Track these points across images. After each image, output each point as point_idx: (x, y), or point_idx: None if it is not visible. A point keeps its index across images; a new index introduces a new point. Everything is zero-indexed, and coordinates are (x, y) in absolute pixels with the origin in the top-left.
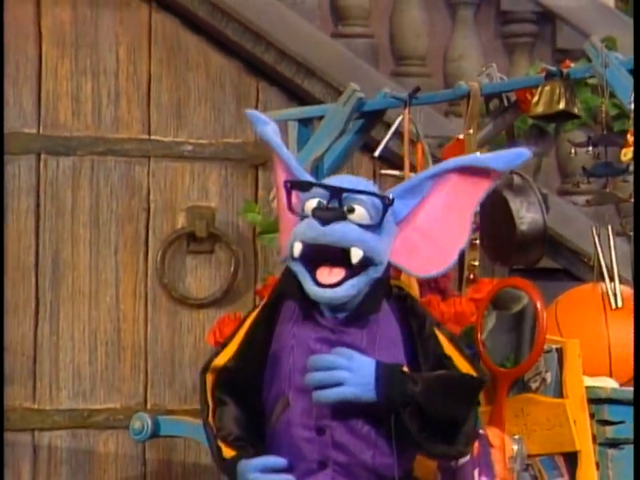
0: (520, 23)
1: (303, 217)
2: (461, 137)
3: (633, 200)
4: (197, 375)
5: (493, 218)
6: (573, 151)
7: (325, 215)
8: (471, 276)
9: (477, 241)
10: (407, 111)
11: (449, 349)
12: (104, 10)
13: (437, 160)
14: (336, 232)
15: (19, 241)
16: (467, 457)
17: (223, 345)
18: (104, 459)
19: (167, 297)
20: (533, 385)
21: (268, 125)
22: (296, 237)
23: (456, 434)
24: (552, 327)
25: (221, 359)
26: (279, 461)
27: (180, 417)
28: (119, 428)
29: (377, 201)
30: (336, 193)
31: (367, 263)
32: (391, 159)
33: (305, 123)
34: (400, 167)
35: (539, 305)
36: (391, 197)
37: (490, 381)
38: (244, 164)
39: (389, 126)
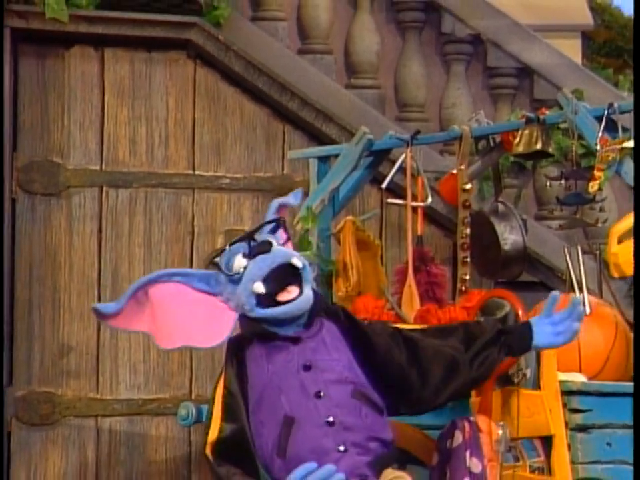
0: (503, 77)
1: (237, 277)
2: (454, 171)
3: (599, 225)
4: None
5: (481, 239)
6: (548, 183)
7: (263, 249)
8: (463, 288)
9: (468, 259)
10: (409, 150)
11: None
12: (156, 66)
13: (434, 191)
14: (279, 253)
15: (84, 259)
16: (460, 440)
17: (208, 422)
18: (156, 441)
19: None
20: (515, 380)
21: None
22: (253, 279)
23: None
24: None
25: (212, 434)
26: (311, 465)
27: None
28: (168, 415)
29: (274, 225)
30: (251, 238)
31: (304, 269)
32: (396, 190)
33: (323, 160)
34: (403, 197)
35: (520, 312)
36: (280, 218)
37: None
38: (272, 194)
39: (393, 162)
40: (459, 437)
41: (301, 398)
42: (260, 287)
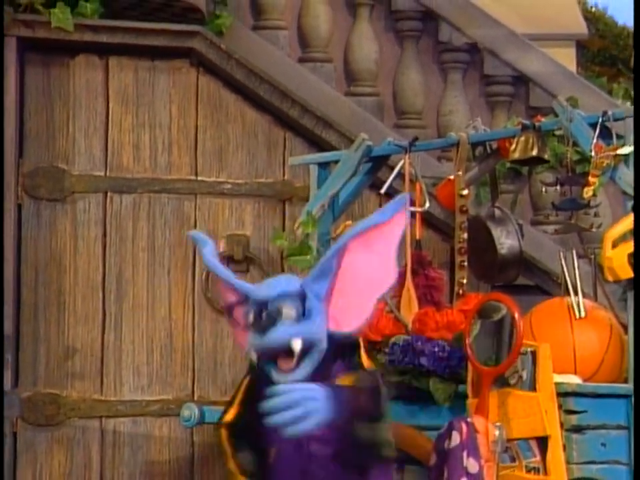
0: (500, 85)
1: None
2: (452, 177)
3: (594, 229)
4: (235, 372)
5: (478, 244)
6: (543, 189)
7: (259, 327)
8: (460, 291)
9: (465, 263)
10: (407, 156)
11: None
12: (160, 74)
13: (432, 196)
14: (272, 337)
15: (89, 263)
16: (457, 441)
17: (229, 404)
18: (159, 442)
19: (210, 308)
20: (512, 381)
21: (207, 246)
22: (250, 347)
23: None
24: (527, 333)
25: (228, 416)
26: None
27: (221, 406)
28: (171, 416)
29: (295, 297)
30: (262, 304)
31: (308, 346)
32: (395, 196)
33: (323, 166)
34: None
35: (516, 315)
36: (302, 289)
37: (476, 377)
38: (273, 199)
39: (392, 168)
40: (456, 438)
41: (285, 448)
42: (254, 357)
